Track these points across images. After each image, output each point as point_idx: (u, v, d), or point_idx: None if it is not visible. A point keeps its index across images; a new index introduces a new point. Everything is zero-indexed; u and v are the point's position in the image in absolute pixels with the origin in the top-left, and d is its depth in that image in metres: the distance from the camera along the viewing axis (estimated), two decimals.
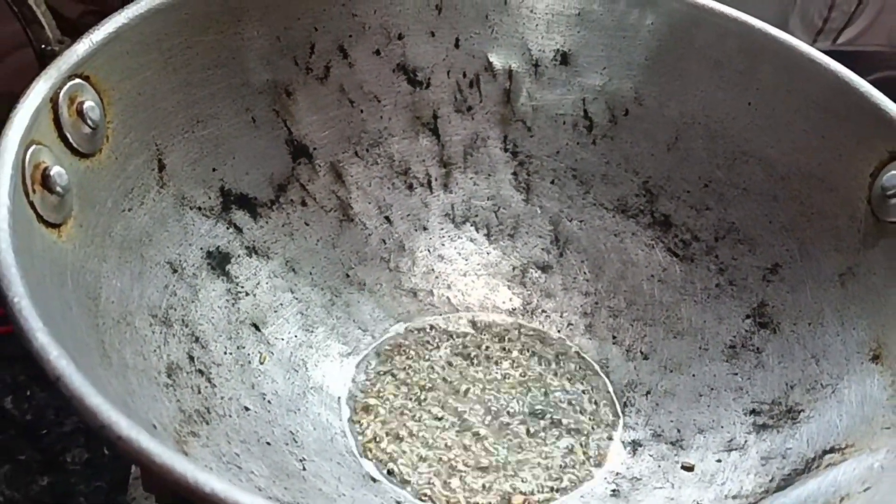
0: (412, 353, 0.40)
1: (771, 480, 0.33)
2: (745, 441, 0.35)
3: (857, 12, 0.68)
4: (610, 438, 0.38)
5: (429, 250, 0.44)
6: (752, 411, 0.36)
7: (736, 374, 0.38)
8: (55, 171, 0.29)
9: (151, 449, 0.20)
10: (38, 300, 0.23)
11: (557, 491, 0.35)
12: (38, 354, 0.21)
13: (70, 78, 0.30)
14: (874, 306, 0.34)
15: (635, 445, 0.37)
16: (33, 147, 0.28)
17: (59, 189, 0.29)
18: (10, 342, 0.44)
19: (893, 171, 0.35)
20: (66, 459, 0.40)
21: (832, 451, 0.32)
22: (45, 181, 0.28)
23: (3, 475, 0.39)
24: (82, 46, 0.31)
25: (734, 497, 0.33)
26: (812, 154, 0.38)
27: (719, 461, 0.35)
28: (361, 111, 0.43)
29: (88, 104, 0.31)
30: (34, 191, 0.28)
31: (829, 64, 0.38)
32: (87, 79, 0.31)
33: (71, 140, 0.30)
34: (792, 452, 0.33)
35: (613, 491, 0.35)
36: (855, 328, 0.35)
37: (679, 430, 0.37)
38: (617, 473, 0.36)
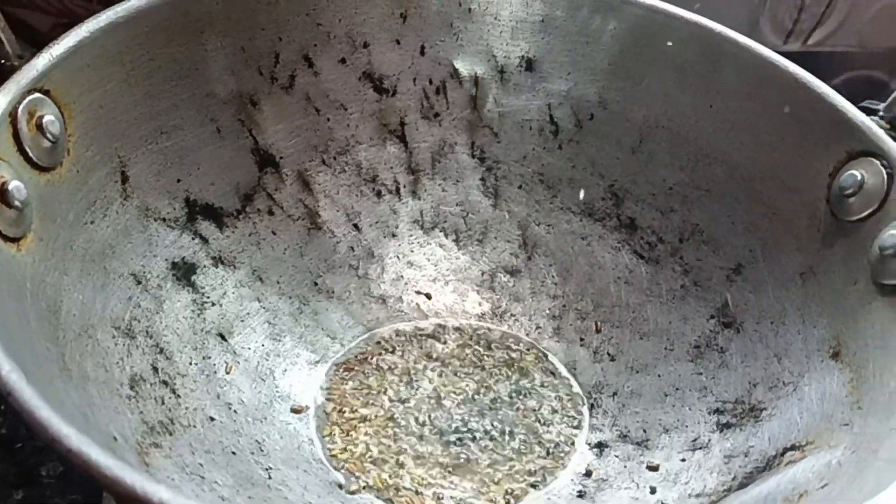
0: (381, 360, 0.40)
1: (733, 479, 0.33)
2: (709, 440, 0.35)
3: (827, 14, 0.69)
4: (576, 440, 0.38)
5: (398, 257, 0.44)
6: (716, 410, 0.37)
7: (700, 373, 0.38)
8: (13, 185, 0.29)
9: (101, 461, 0.20)
10: None
11: (524, 493, 0.35)
12: None
13: (29, 92, 0.30)
14: (833, 304, 0.35)
15: (602, 447, 0.37)
16: None
17: (17, 203, 0.29)
18: None
19: (850, 171, 0.35)
20: (41, 473, 0.40)
21: (793, 448, 0.32)
22: (3, 196, 0.28)
23: None
24: (41, 61, 0.31)
25: (697, 496, 0.33)
26: (773, 155, 0.39)
27: (684, 460, 0.35)
28: (328, 119, 0.43)
29: (48, 118, 0.31)
30: None
31: (788, 67, 0.39)
32: (47, 93, 0.31)
33: (30, 154, 0.30)
34: (754, 451, 0.33)
35: (580, 492, 0.35)
36: (815, 326, 0.35)
37: (645, 431, 0.37)
38: (583, 474, 0.36)
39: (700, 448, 0.35)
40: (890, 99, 0.37)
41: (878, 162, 0.35)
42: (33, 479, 0.40)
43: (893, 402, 0.29)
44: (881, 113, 0.37)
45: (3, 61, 0.32)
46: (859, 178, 0.35)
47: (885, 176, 0.34)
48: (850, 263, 0.35)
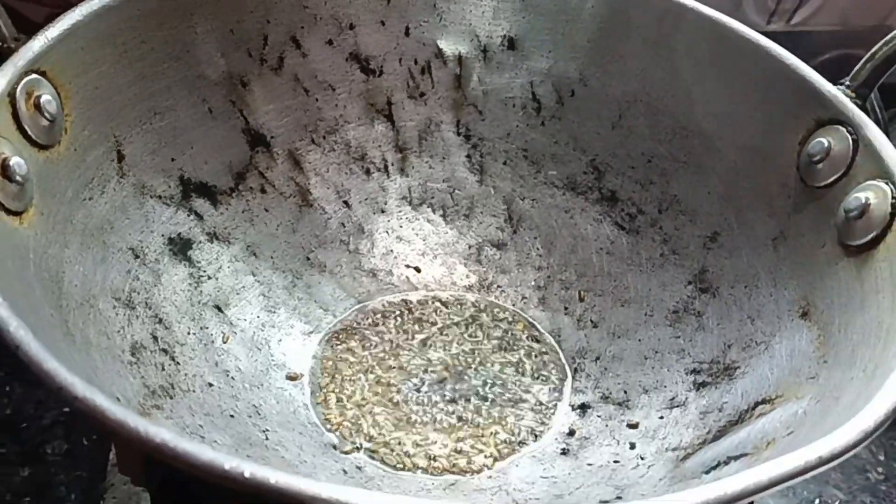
0: (372, 330, 0.42)
1: (708, 432, 0.34)
2: (686, 398, 0.37)
3: None
4: (560, 402, 0.39)
5: (387, 232, 0.46)
6: (693, 370, 0.38)
7: (678, 337, 0.40)
8: (14, 161, 0.30)
9: (106, 406, 0.21)
10: (0, 280, 0.25)
11: (511, 451, 0.37)
12: None
13: (27, 73, 0.32)
14: (803, 267, 0.36)
15: (584, 408, 0.39)
16: None
17: (18, 178, 0.30)
18: None
19: (818, 139, 0.37)
20: (46, 451, 0.42)
21: (763, 402, 0.34)
22: (5, 171, 0.30)
23: None
24: (37, 43, 0.32)
25: (674, 449, 0.35)
26: (746, 126, 0.40)
27: (662, 418, 0.37)
28: (317, 100, 0.44)
29: (45, 98, 0.32)
30: None
31: (760, 40, 0.40)
32: (43, 74, 0.33)
33: (29, 132, 0.32)
34: (728, 406, 0.35)
35: (563, 450, 0.37)
36: (786, 288, 0.37)
37: (625, 392, 0.39)
38: (567, 433, 0.38)
39: (677, 406, 0.37)
40: (855, 69, 0.38)
41: (843, 129, 0.36)
42: (38, 457, 0.41)
43: (855, 354, 0.31)
44: (847, 83, 0.38)
45: (1, 44, 0.33)
46: (826, 144, 0.36)
47: (851, 142, 0.36)
48: (819, 227, 0.36)
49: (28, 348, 0.22)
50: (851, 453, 0.24)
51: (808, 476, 0.23)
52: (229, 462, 0.20)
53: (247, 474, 0.20)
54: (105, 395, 0.21)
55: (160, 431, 0.21)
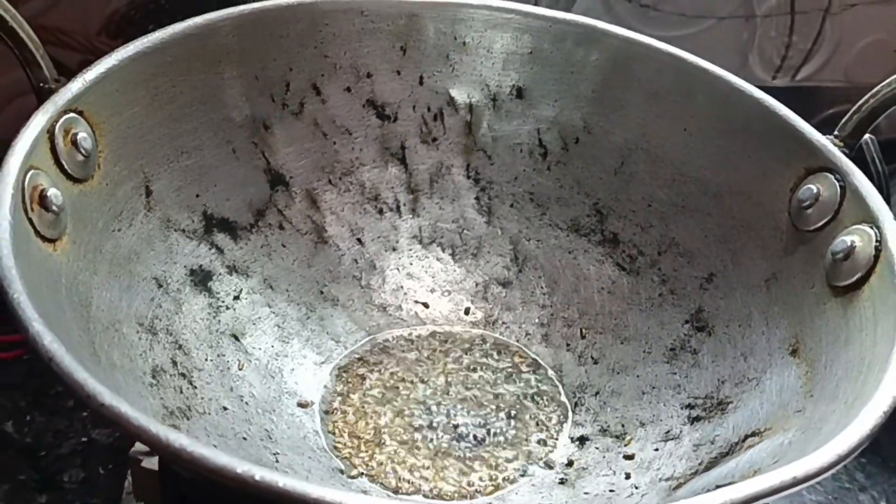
0: (381, 361, 0.44)
1: (700, 463, 0.36)
2: (681, 431, 0.38)
3: (814, 50, 0.72)
4: (560, 435, 0.41)
5: (398, 269, 0.48)
6: (688, 405, 0.40)
7: (675, 373, 0.41)
8: (51, 192, 0.32)
9: (130, 413, 0.23)
10: (35, 299, 0.27)
11: (511, 480, 0.38)
12: (34, 340, 0.25)
13: (65, 112, 0.34)
14: (793, 306, 0.38)
15: (583, 440, 0.40)
16: (32, 171, 0.32)
17: (54, 208, 0.32)
18: (10, 371, 0.48)
19: (808, 185, 0.39)
20: (63, 479, 0.43)
21: (753, 434, 0.35)
22: (43, 201, 0.32)
23: (3, 494, 0.42)
24: (76, 84, 0.35)
25: (667, 479, 0.36)
26: (740, 173, 0.42)
27: (657, 450, 0.38)
28: (334, 143, 0.47)
29: (82, 135, 0.35)
30: (32, 209, 0.31)
31: (754, 92, 0.42)
32: (80, 113, 0.35)
33: (66, 166, 0.34)
34: (719, 439, 0.36)
35: (561, 479, 0.38)
36: (778, 327, 0.38)
37: (623, 425, 0.40)
38: (565, 464, 0.39)
39: (672, 439, 0.38)
40: (842, 121, 0.40)
41: (832, 176, 0.38)
42: (56, 484, 0.43)
43: (839, 388, 0.32)
44: (836, 133, 0.40)
45: (42, 84, 0.36)
46: (816, 191, 0.38)
47: (839, 188, 0.37)
48: (808, 269, 0.38)
49: (61, 360, 0.24)
50: (826, 475, 0.25)
51: (784, 494, 0.24)
52: (241, 466, 0.22)
53: (257, 477, 0.22)
54: (127, 403, 0.23)
55: (179, 437, 0.23)
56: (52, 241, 0.32)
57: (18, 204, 0.30)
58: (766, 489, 0.24)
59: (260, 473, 0.22)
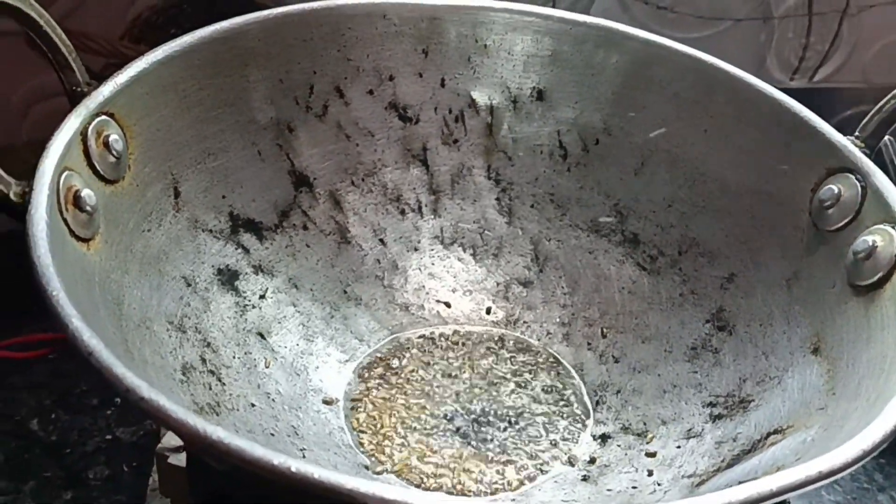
0: (405, 360, 0.44)
1: (722, 461, 0.36)
2: (703, 429, 0.39)
3: (831, 51, 0.72)
4: (582, 433, 0.41)
5: (420, 269, 0.48)
6: (710, 404, 0.40)
7: (696, 372, 0.42)
8: (85, 193, 0.33)
9: (169, 406, 0.24)
10: (72, 296, 0.28)
11: (534, 477, 0.39)
12: (73, 335, 0.26)
13: (97, 115, 0.35)
14: (815, 305, 0.38)
15: (605, 438, 0.41)
16: (66, 173, 0.33)
17: (88, 209, 0.33)
18: (35, 370, 0.48)
19: (829, 185, 0.39)
20: (88, 476, 0.44)
21: (775, 432, 0.35)
22: (77, 202, 0.33)
23: (29, 490, 0.42)
24: (107, 88, 0.36)
25: (689, 476, 0.36)
26: (761, 173, 0.42)
27: (679, 447, 0.38)
28: (357, 145, 0.47)
29: (113, 137, 0.36)
30: (67, 209, 0.32)
31: (774, 93, 0.42)
32: (111, 116, 0.36)
33: (98, 168, 0.35)
34: (742, 436, 0.37)
35: (584, 476, 0.39)
36: (799, 326, 0.39)
37: (645, 423, 0.41)
38: (588, 461, 0.39)
39: (694, 436, 0.39)
40: (863, 122, 0.40)
41: (853, 176, 0.38)
42: (81, 481, 0.43)
43: (861, 386, 0.32)
44: (857, 133, 0.40)
45: (75, 87, 0.37)
46: (837, 191, 0.38)
47: (860, 188, 0.38)
48: (829, 268, 0.38)
49: (100, 355, 0.25)
50: (850, 470, 0.26)
51: (808, 489, 0.25)
52: (277, 458, 0.23)
53: (293, 469, 0.23)
54: (165, 396, 0.24)
55: (216, 429, 0.23)
56: (85, 240, 0.33)
57: (54, 205, 0.31)
58: (790, 484, 0.24)
59: (296, 465, 0.23)
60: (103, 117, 0.36)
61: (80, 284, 0.31)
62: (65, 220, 0.32)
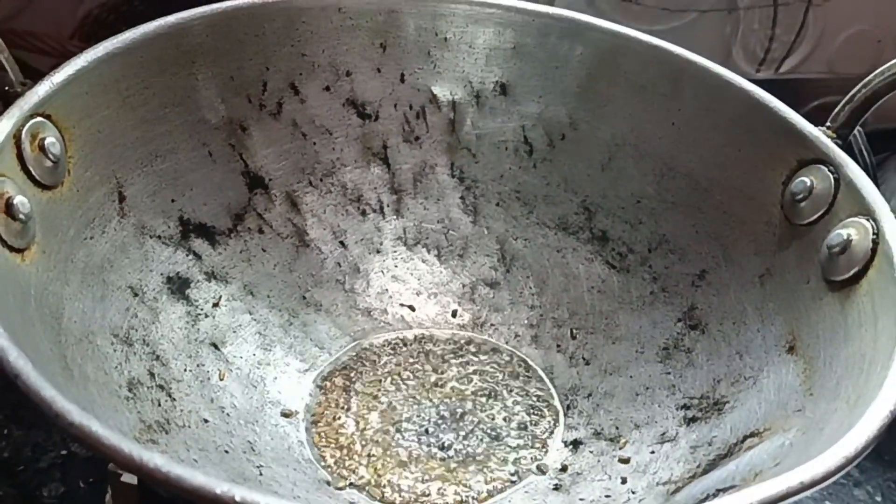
0: (367, 367, 0.42)
1: (698, 466, 0.35)
2: (677, 433, 0.37)
3: (797, 42, 0.72)
4: (552, 439, 0.40)
5: (383, 272, 0.46)
6: (684, 406, 0.39)
7: (669, 373, 0.40)
8: (18, 200, 0.31)
9: (101, 432, 0.22)
10: (1, 312, 0.26)
11: (503, 487, 0.37)
12: None
13: (32, 116, 0.33)
14: (788, 302, 0.37)
15: (577, 444, 0.39)
16: None
17: (21, 217, 0.31)
18: None
19: (801, 178, 0.38)
20: (43, 493, 0.42)
21: (752, 435, 0.34)
22: (9, 209, 0.31)
23: None
24: (43, 88, 0.34)
25: (664, 483, 0.35)
26: (731, 167, 0.41)
27: (653, 452, 0.37)
28: (314, 143, 0.46)
29: (49, 140, 0.33)
30: None
31: (743, 84, 0.41)
32: (48, 117, 0.34)
33: (33, 173, 0.33)
34: (717, 440, 0.35)
35: (555, 485, 0.37)
36: (773, 324, 0.37)
37: (617, 428, 0.39)
38: (559, 469, 0.38)
39: (668, 441, 0.37)
40: (835, 111, 0.39)
41: (825, 168, 0.37)
42: (35, 500, 0.41)
43: (839, 386, 0.31)
44: (828, 124, 0.39)
45: (7, 88, 0.35)
46: (809, 183, 0.37)
47: (833, 180, 0.37)
48: (803, 264, 0.37)
49: (27, 377, 0.23)
50: (833, 479, 0.24)
51: (790, 500, 0.23)
52: (220, 486, 0.21)
53: (238, 498, 0.21)
54: (97, 421, 0.22)
55: (153, 457, 0.21)
56: (19, 251, 0.31)
57: None
58: (770, 497, 0.23)
59: (241, 494, 0.21)
60: (39, 119, 0.34)
61: (13, 298, 0.29)
62: None
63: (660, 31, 0.65)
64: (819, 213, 0.37)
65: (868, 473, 0.47)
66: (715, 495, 0.31)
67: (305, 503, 0.34)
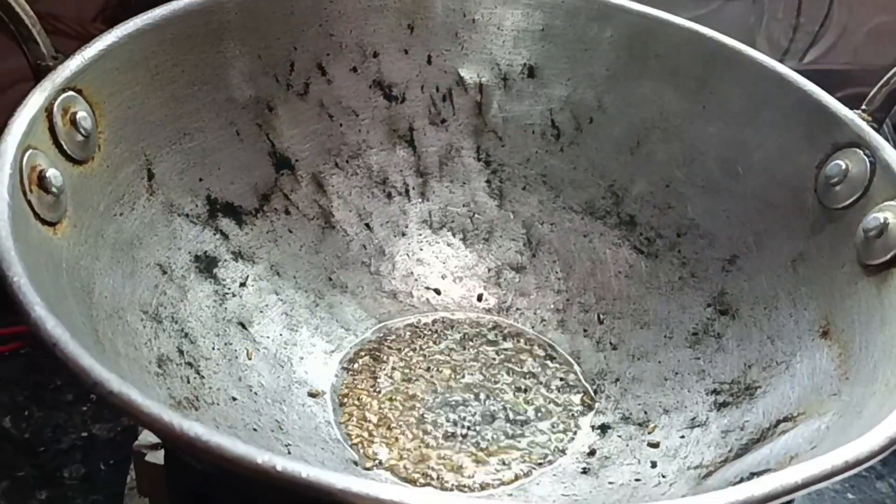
0: (393, 350, 0.42)
1: (730, 451, 0.34)
2: (707, 418, 0.37)
3: (821, 33, 0.71)
4: (580, 423, 0.39)
5: (408, 255, 0.46)
6: (714, 391, 0.38)
7: (698, 358, 0.40)
8: (50, 172, 0.31)
9: (141, 401, 0.22)
10: (36, 283, 0.25)
11: (531, 471, 0.37)
12: (36, 324, 0.23)
13: (63, 90, 0.33)
14: (822, 287, 0.37)
15: (605, 428, 0.39)
16: (30, 151, 0.30)
17: (54, 189, 0.31)
18: (8, 365, 0.46)
19: (836, 161, 0.37)
20: (64, 475, 0.42)
21: (785, 419, 0.34)
22: (41, 182, 0.30)
23: (2, 491, 0.41)
24: (74, 62, 0.34)
25: (695, 468, 0.35)
26: (763, 151, 0.41)
27: (683, 437, 0.37)
28: (340, 125, 0.45)
29: (81, 114, 0.33)
30: (31, 190, 0.30)
31: (776, 66, 0.41)
32: (79, 91, 0.34)
33: (65, 147, 0.33)
34: (749, 424, 0.35)
35: (584, 469, 0.37)
36: (806, 308, 0.37)
37: (646, 413, 0.39)
38: (587, 453, 0.38)
39: (698, 426, 0.37)
40: (870, 95, 0.39)
41: (861, 151, 0.37)
42: (56, 480, 0.42)
43: (877, 369, 0.31)
44: (864, 107, 0.39)
45: (39, 62, 0.34)
46: (844, 167, 0.37)
47: (868, 164, 0.36)
48: (837, 248, 0.36)
49: (66, 346, 0.23)
50: (877, 459, 0.24)
51: (834, 480, 0.23)
52: (262, 455, 0.21)
53: (279, 467, 0.21)
54: (136, 389, 0.22)
55: (194, 425, 0.21)
56: (52, 224, 0.31)
57: (17, 185, 0.29)
58: (815, 476, 0.23)
59: (282, 463, 0.21)
60: (70, 93, 0.33)
61: (46, 271, 0.29)
62: (28, 202, 0.30)
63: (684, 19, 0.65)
64: (854, 197, 0.36)
65: (891, 466, 0.47)
66: (749, 479, 0.31)
67: (344, 476, 0.34)
